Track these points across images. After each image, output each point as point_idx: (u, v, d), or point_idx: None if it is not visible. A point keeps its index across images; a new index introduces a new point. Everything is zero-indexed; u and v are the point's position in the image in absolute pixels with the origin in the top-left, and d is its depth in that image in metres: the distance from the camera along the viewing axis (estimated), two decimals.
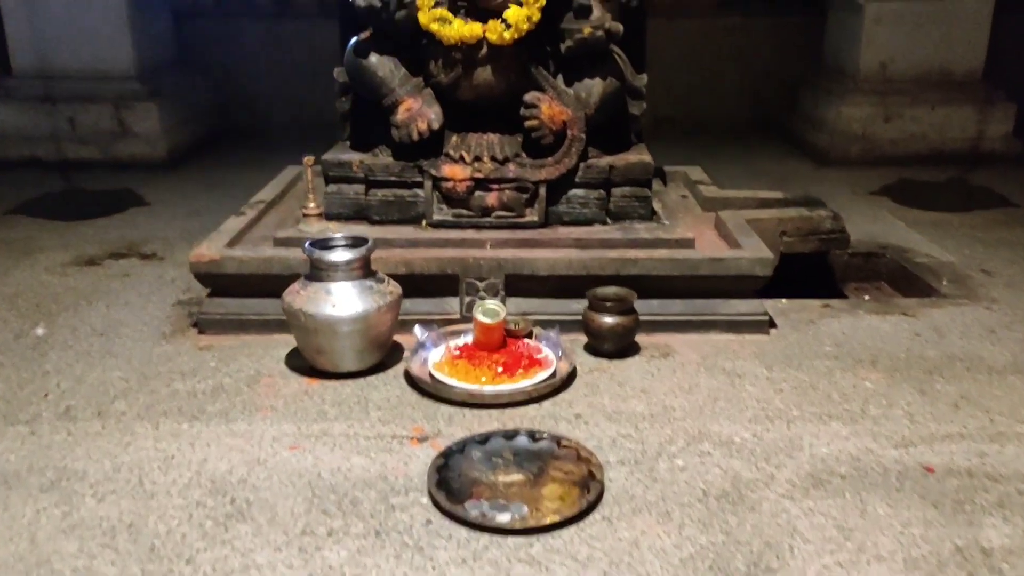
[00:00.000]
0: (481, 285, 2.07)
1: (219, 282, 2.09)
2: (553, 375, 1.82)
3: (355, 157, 2.28)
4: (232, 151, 4.14)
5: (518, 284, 2.07)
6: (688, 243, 2.16)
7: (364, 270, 1.86)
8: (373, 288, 1.85)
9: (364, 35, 2.21)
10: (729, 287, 2.07)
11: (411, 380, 1.83)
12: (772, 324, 2.12)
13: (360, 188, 2.29)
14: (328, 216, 2.30)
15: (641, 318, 1.98)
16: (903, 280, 2.60)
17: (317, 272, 1.84)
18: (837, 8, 4.08)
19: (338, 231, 2.20)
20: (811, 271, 2.56)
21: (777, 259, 2.34)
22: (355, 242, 1.90)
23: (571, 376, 1.85)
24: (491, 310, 1.92)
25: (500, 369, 1.82)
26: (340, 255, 1.83)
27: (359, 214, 2.29)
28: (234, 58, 4.46)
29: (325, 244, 1.89)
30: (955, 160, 3.72)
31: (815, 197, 2.56)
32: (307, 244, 1.87)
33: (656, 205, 2.38)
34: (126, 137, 3.73)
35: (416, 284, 2.05)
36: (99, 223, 3.05)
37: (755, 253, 2.07)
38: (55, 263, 2.61)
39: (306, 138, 4.19)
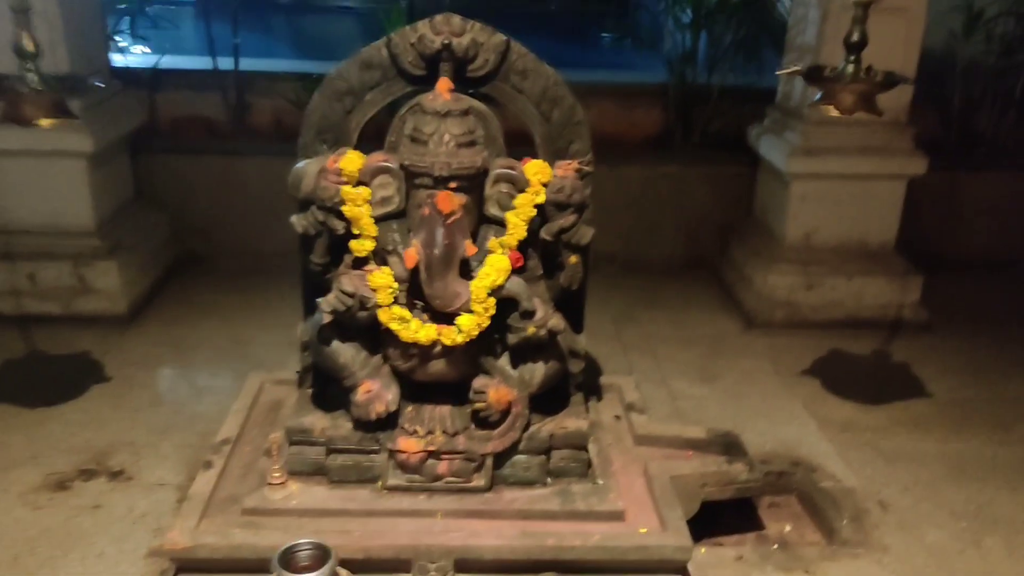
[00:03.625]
0: (432, 567, 2.29)
1: (190, 565, 2.28)
2: None
3: (317, 424, 2.48)
4: (190, 292, 4.26)
5: (467, 566, 2.30)
6: (619, 516, 2.42)
7: None
8: None
9: (327, 320, 2.39)
10: (654, 568, 2.33)
11: None
12: None
13: (321, 451, 2.49)
14: (291, 473, 2.50)
15: None
16: (810, 503, 2.91)
17: None
18: (765, 172, 4.36)
19: (300, 494, 2.43)
20: None
21: (698, 507, 2.63)
22: (319, 553, 2.10)
23: None
24: None
25: None
26: None
27: (319, 472, 2.50)
28: (190, 190, 4.57)
29: (291, 556, 2.09)
30: (869, 326, 4.04)
31: (734, 437, 2.81)
32: (275, 560, 2.06)
33: (592, 448, 2.62)
34: (86, 293, 3.84)
35: (373, 566, 2.27)
36: (65, 414, 3.18)
37: (678, 540, 2.33)
38: (27, 486, 2.76)
39: (261, 269, 4.40)
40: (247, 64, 4.95)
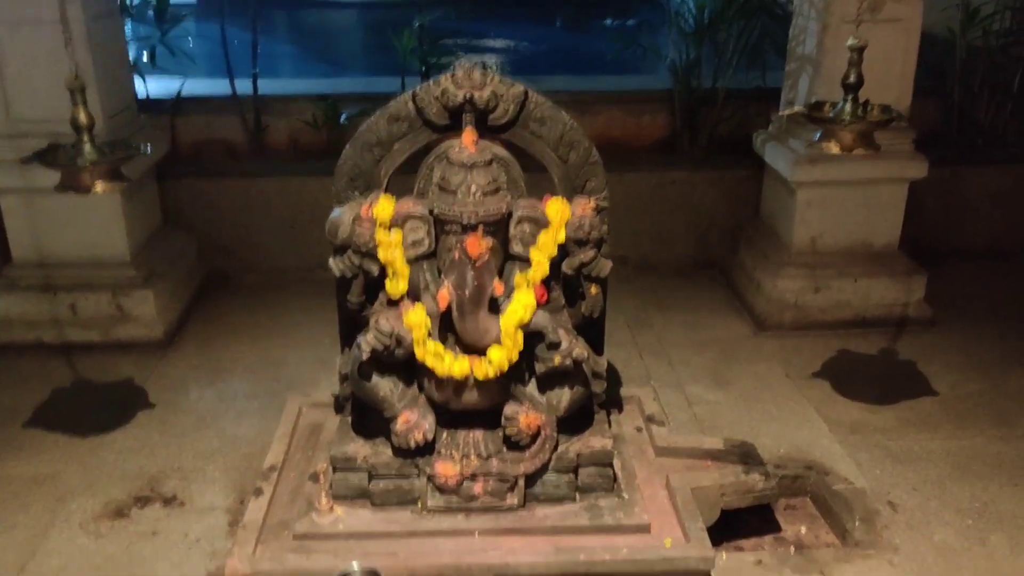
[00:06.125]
0: None
1: None
2: None
3: (359, 452, 2.65)
4: (220, 313, 4.43)
5: None
6: (645, 528, 2.59)
7: None
8: None
9: (365, 357, 2.55)
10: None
11: None
12: None
13: (364, 476, 2.66)
14: (336, 497, 2.68)
15: None
16: (823, 505, 3.08)
17: None
18: (771, 178, 4.50)
19: (346, 518, 2.61)
20: None
21: (718, 515, 2.80)
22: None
23: None
24: None
25: None
26: None
27: (362, 496, 2.67)
28: (214, 211, 4.72)
29: None
30: (875, 325, 4.19)
31: (750, 447, 2.97)
32: None
33: (616, 463, 2.79)
34: (125, 321, 4.02)
35: None
36: (116, 442, 3.36)
37: (701, 551, 2.49)
38: (87, 515, 2.95)
39: (284, 284, 4.61)
40: (264, 86, 5.10)
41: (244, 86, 5.08)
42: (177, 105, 4.97)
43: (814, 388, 3.74)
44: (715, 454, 2.97)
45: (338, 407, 2.94)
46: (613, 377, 3.21)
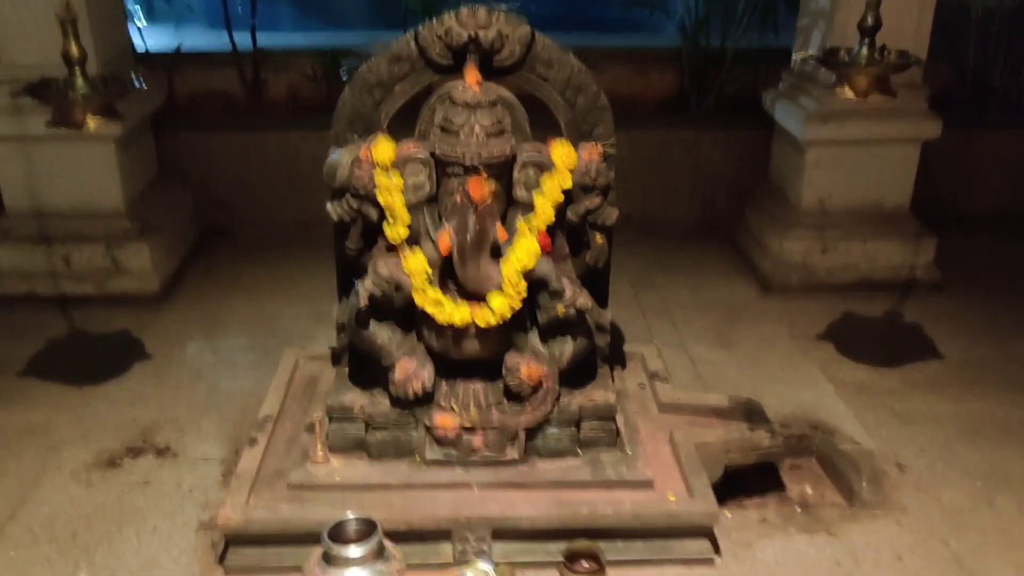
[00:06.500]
0: (471, 536, 2.42)
1: (241, 538, 2.41)
2: None
3: (356, 402, 2.59)
4: (216, 267, 4.37)
5: (504, 535, 2.42)
6: (648, 484, 2.53)
7: (375, 554, 2.19)
8: (383, 572, 2.18)
9: (363, 303, 2.48)
10: (682, 533, 2.46)
11: None
12: (716, 548, 2.51)
13: (360, 427, 2.60)
14: (332, 448, 2.62)
15: (607, 557, 2.37)
16: (829, 465, 3.02)
17: (334, 560, 2.17)
18: (780, 137, 4.40)
19: (342, 469, 2.55)
20: None
21: (722, 472, 2.74)
22: (366, 527, 2.22)
23: None
24: (481, 572, 2.27)
25: None
26: (356, 552, 2.14)
27: (359, 447, 2.61)
28: (211, 165, 4.64)
29: (340, 530, 2.21)
30: (882, 287, 4.11)
31: (755, 404, 2.91)
32: (325, 535, 2.18)
33: (619, 418, 2.73)
34: (119, 274, 3.94)
35: (415, 537, 2.39)
36: (110, 392, 3.31)
37: (705, 507, 2.44)
38: (79, 465, 2.89)
39: (281, 239, 4.54)
40: (263, 39, 4.99)
41: (243, 39, 4.98)
42: (175, 58, 4.87)
43: (820, 349, 3.68)
44: (720, 411, 2.91)
45: (335, 359, 2.89)
46: (616, 335, 3.15)
